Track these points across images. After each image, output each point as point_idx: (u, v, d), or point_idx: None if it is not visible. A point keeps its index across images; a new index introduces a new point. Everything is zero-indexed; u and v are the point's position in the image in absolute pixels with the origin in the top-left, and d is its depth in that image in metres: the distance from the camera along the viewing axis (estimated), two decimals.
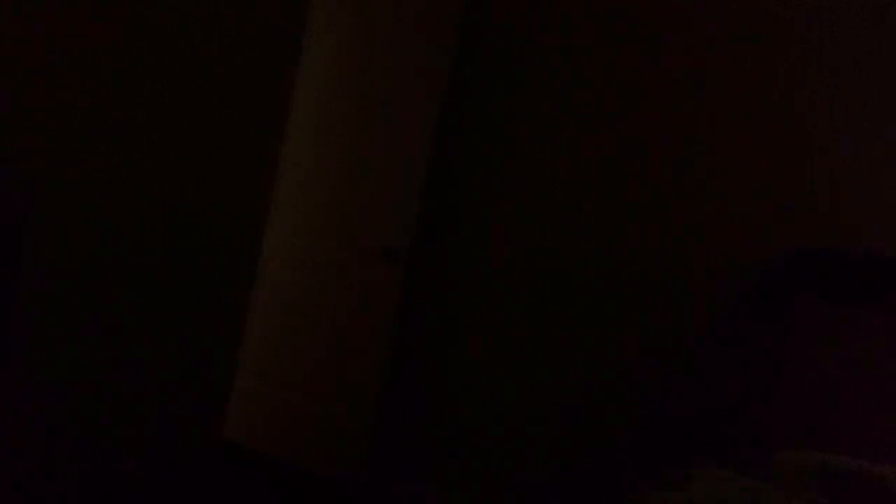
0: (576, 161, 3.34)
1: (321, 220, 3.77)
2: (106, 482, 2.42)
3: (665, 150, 3.19)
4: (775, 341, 2.85)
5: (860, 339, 2.46)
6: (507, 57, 3.50)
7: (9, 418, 2.18)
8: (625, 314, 3.21)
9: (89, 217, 2.25)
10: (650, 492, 1.74)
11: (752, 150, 3.05)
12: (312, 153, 3.82)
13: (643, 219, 3.21)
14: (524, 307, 3.40)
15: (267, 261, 3.90)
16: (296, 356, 3.77)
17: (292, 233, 3.84)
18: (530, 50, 3.45)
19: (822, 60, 2.97)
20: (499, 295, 3.45)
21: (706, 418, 2.99)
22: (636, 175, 3.23)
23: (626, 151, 3.25)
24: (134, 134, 2.33)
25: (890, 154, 2.86)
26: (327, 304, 3.72)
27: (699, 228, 3.11)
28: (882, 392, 2.36)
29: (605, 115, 3.30)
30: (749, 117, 3.06)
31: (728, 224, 3.07)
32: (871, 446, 2.32)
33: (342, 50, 3.78)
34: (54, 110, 2.16)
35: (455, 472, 3.48)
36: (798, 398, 2.43)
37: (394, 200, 3.60)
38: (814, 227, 2.94)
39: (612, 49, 3.30)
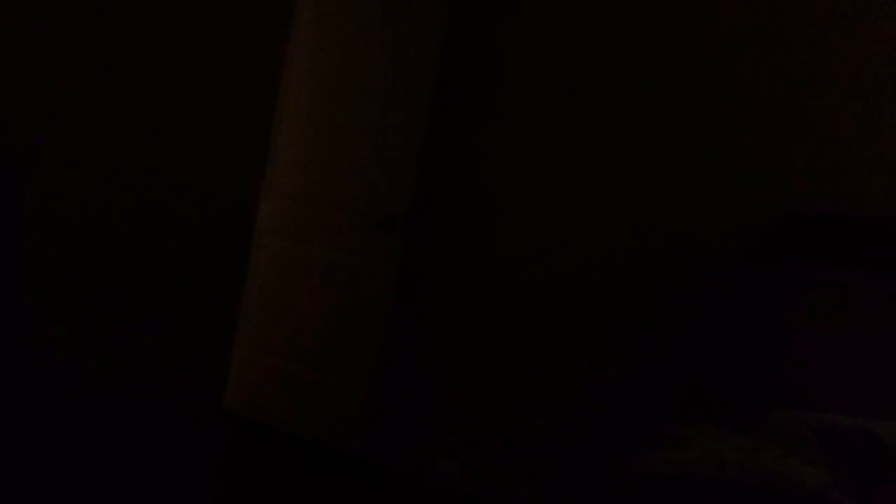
0: (572, 126, 3.33)
1: (318, 190, 3.76)
2: (106, 453, 2.44)
3: (660, 114, 3.18)
4: (770, 303, 2.87)
5: (852, 300, 2.47)
6: (504, 20, 3.47)
7: (6, 390, 2.20)
8: (622, 276, 3.22)
9: (83, 193, 2.25)
10: (647, 451, 1.76)
11: (746, 114, 3.05)
12: (307, 122, 3.80)
13: (647, 183, 3.21)
14: (521, 273, 3.41)
15: (263, 231, 3.90)
16: (294, 326, 3.79)
17: (289, 202, 3.84)
18: (527, 12, 3.43)
19: (817, 24, 2.95)
20: (496, 261, 3.46)
21: (702, 380, 3.02)
22: (632, 138, 3.23)
23: (620, 115, 3.25)
24: (127, 107, 2.32)
25: (883, 116, 2.86)
26: (325, 274, 3.73)
27: (697, 190, 3.12)
28: (874, 352, 2.38)
29: (600, 78, 3.29)
30: (741, 82, 3.05)
31: (725, 186, 3.07)
32: (864, 406, 2.35)
33: (335, 16, 3.75)
34: (44, 84, 2.14)
35: (453, 439, 3.51)
36: (793, 359, 2.45)
37: (391, 169, 3.59)
38: (809, 191, 2.95)
39: (606, 10, 3.28)
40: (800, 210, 2.94)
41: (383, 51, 3.63)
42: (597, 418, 3.25)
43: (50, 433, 2.30)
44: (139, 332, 2.46)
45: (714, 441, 1.76)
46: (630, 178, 3.23)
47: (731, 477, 1.61)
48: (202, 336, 2.64)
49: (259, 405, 3.84)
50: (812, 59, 2.96)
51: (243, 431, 3.73)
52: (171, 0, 2.36)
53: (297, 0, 3.84)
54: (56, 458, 2.33)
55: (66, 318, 2.28)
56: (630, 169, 3.23)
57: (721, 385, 2.86)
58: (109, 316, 2.38)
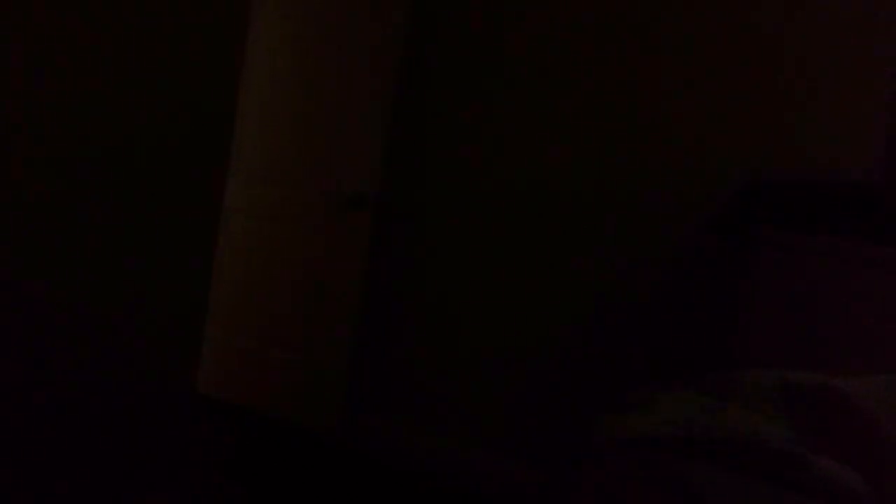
0: (543, 98, 3.33)
1: (286, 169, 3.73)
2: (79, 438, 2.43)
3: (629, 80, 3.18)
4: (736, 269, 2.90)
5: (817, 265, 2.50)
6: None
7: None
8: (590, 245, 3.24)
9: (50, 175, 2.22)
10: (615, 416, 1.78)
11: (709, 81, 3.06)
12: (274, 100, 3.77)
13: (610, 152, 3.22)
14: (490, 246, 3.41)
15: (233, 211, 3.87)
16: (266, 306, 3.77)
17: (257, 182, 3.81)
18: None
19: None
20: (468, 235, 3.46)
21: (670, 345, 3.05)
22: (596, 108, 3.23)
23: (592, 84, 3.25)
24: (91, 86, 2.28)
25: (847, 81, 2.88)
26: (296, 253, 3.71)
27: (661, 157, 3.13)
28: (839, 315, 2.41)
29: (571, 51, 3.28)
30: (709, 46, 3.06)
31: (689, 154, 3.09)
32: (829, 368, 2.39)
33: None
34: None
35: (428, 417, 3.52)
36: (758, 323, 2.48)
37: (359, 146, 3.57)
38: (773, 158, 2.97)
39: None
40: (765, 176, 2.97)
41: (350, 29, 3.60)
42: (569, 384, 3.27)
43: (16, 417, 2.28)
44: (106, 316, 2.44)
45: (681, 402, 1.78)
46: (595, 148, 3.23)
47: (697, 436, 1.63)
48: (171, 318, 2.62)
49: (234, 387, 3.83)
50: (775, 22, 2.97)
51: (219, 413, 3.72)
52: None
53: None
54: (22, 441, 2.31)
55: (33, 301, 2.25)
56: (595, 138, 3.24)
57: (688, 351, 2.89)
58: (78, 301, 2.35)
